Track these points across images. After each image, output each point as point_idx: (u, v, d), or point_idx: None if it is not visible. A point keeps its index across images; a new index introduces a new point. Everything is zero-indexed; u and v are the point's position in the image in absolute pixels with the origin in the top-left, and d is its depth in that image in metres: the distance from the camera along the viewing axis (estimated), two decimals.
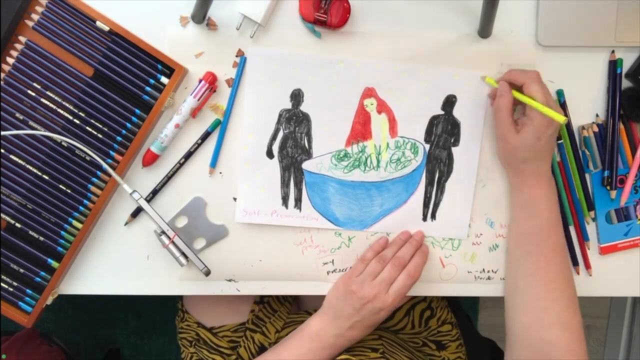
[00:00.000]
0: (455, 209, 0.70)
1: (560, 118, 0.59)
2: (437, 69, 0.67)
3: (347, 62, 0.66)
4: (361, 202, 0.69)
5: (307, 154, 0.68)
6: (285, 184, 0.69)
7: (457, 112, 0.68)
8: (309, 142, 0.68)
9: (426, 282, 0.72)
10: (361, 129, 0.68)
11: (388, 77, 0.67)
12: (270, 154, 0.68)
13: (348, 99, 0.67)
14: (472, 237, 0.71)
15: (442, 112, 0.68)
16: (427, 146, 0.69)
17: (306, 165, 0.69)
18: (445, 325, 0.81)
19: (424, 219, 0.70)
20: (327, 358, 0.66)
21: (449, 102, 0.68)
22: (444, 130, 0.68)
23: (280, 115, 0.67)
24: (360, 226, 0.70)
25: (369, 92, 0.67)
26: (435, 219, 0.70)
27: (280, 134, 0.68)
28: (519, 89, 0.64)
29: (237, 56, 0.66)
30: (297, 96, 0.67)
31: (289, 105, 0.67)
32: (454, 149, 0.69)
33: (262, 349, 0.81)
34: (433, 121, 0.68)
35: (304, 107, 0.67)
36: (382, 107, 0.68)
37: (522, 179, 0.65)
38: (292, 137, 0.68)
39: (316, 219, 0.70)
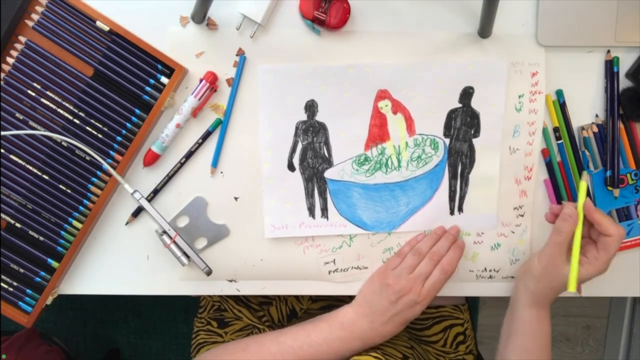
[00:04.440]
0: (482, 200, 0.70)
1: (572, 288, 0.60)
2: (450, 63, 0.66)
3: (357, 67, 0.66)
4: (387, 203, 0.69)
5: (328, 162, 0.69)
6: (309, 195, 0.69)
7: (474, 103, 0.68)
8: (328, 150, 0.68)
9: None
10: (378, 132, 0.68)
11: (400, 77, 0.67)
12: (291, 167, 0.68)
13: (362, 104, 0.67)
14: (473, 236, 0.71)
15: (460, 105, 0.68)
16: (447, 140, 0.69)
17: (328, 174, 0.69)
18: (470, 355, 0.84)
19: (452, 212, 0.70)
20: (354, 350, 0.66)
21: (467, 93, 0.67)
22: (463, 123, 0.68)
23: (296, 128, 0.68)
24: (388, 227, 0.70)
25: (382, 94, 0.67)
26: (462, 212, 0.70)
27: (299, 146, 0.68)
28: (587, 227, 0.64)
29: (237, 55, 0.66)
30: (311, 107, 0.67)
31: (304, 117, 0.67)
32: (474, 140, 0.69)
33: (293, 313, 0.83)
34: (451, 115, 0.68)
35: (319, 117, 0.67)
36: (397, 108, 0.68)
37: (535, 297, 0.66)
38: (311, 147, 0.68)
39: (344, 225, 0.70)
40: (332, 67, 0.66)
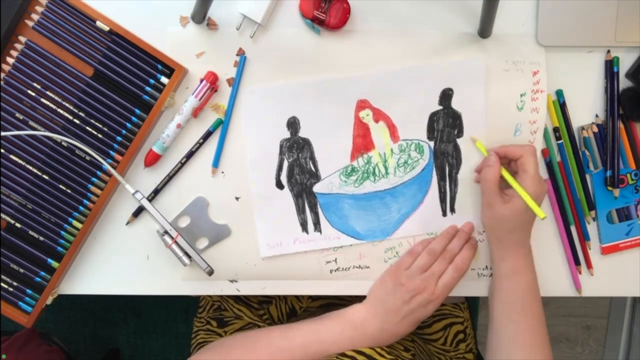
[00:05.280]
0: (473, 199, 0.70)
1: (541, 214, 0.62)
2: (426, 66, 0.67)
3: (335, 81, 0.66)
4: (378, 211, 0.70)
5: (315, 177, 0.69)
6: (301, 211, 0.69)
7: (455, 104, 0.68)
8: (315, 165, 0.69)
9: None
10: (362, 141, 0.68)
11: (378, 85, 0.67)
12: (280, 185, 0.69)
13: (343, 115, 0.67)
14: (475, 234, 0.71)
15: (441, 107, 0.68)
16: (432, 143, 0.69)
17: (317, 188, 0.69)
18: (470, 353, 0.84)
19: (444, 214, 0.70)
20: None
21: (446, 95, 0.68)
22: (445, 124, 0.68)
23: (281, 146, 0.68)
24: (382, 235, 0.70)
25: (362, 104, 0.67)
26: (455, 212, 0.70)
27: (286, 164, 0.68)
28: (507, 166, 0.66)
29: (237, 55, 0.66)
30: (293, 124, 0.67)
31: (287, 134, 0.68)
32: (459, 140, 0.69)
33: (293, 312, 0.83)
34: (433, 117, 0.68)
35: (302, 133, 0.68)
36: (379, 116, 0.68)
37: (504, 249, 0.66)
38: (297, 164, 0.68)
39: (338, 237, 0.70)
40: (309, 82, 0.66)
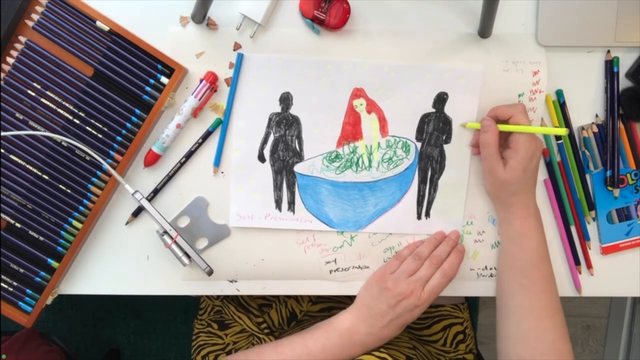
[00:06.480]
0: (449, 207, 0.70)
1: (562, 131, 0.60)
2: (427, 67, 0.67)
3: (335, 64, 0.66)
4: (354, 202, 0.69)
5: (299, 156, 0.69)
6: (278, 187, 0.69)
7: (448, 109, 0.68)
8: (300, 144, 0.68)
9: None
10: (351, 130, 0.68)
11: (377, 77, 0.67)
12: (261, 158, 0.68)
13: (337, 100, 0.67)
14: (474, 234, 0.71)
15: (433, 110, 0.68)
16: (419, 144, 0.69)
17: (298, 168, 0.69)
18: (470, 354, 0.84)
19: (418, 217, 0.70)
20: (353, 356, 0.66)
21: (441, 99, 0.68)
22: (435, 128, 0.68)
23: (270, 119, 0.68)
24: (354, 227, 0.70)
25: (357, 93, 0.67)
26: (429, 217, 0.70)
27: (271, 138, 0.68)
28: (504, 123, 0.65)
29: (234, 49, 0.66)
30: (286, 99, 0.67)
31: (278, 109, 0.67)
32: (445, 146, 0.69)
33: (293, 315, 0.83)
34: (424, 119, 0.68)
35: (293, 110, 0.67)
36: (372, 107, 0.68)
37: (510, 212, 0.66)
38: (283, 140, 0.68)
39: (310, 221, 0.70)
40: (310, 61, 0.66)
